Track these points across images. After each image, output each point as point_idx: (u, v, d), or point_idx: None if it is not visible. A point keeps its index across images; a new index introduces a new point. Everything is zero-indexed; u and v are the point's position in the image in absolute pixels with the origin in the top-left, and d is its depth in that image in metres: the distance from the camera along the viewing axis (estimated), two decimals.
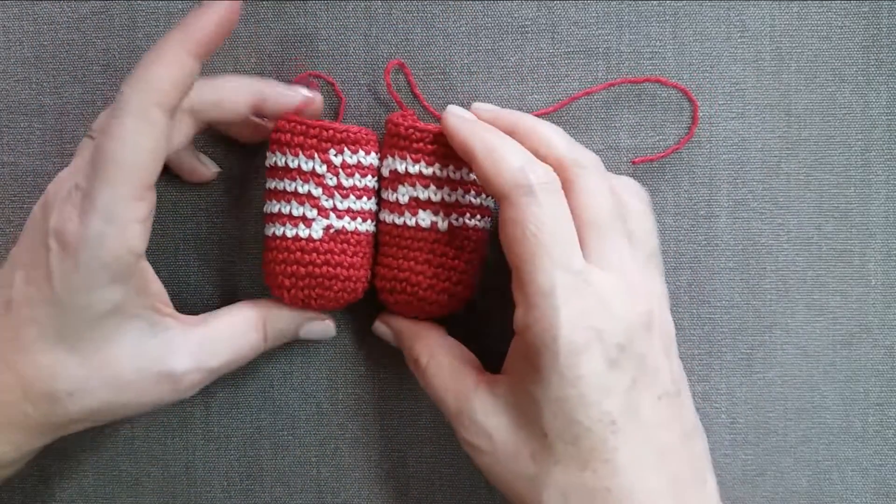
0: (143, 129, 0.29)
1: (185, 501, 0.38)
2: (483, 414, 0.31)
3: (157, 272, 0.37)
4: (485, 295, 0.37)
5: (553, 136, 0.32)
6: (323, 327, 0.36)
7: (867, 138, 0.37)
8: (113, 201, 0.29)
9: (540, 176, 0.30)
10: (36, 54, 0.37)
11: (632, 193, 0.33)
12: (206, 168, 0.37)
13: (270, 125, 0.35)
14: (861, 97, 0.37)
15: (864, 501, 0.38)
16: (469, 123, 0.32)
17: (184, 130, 0.32)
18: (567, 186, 0.31)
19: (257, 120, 0.35)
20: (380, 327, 0.36)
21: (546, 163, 0.31)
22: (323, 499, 0.38)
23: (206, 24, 0.30)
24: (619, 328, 0.29)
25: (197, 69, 0.30)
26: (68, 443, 0.38)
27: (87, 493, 0.38)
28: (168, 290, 0.37)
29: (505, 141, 0.31)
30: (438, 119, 0.36)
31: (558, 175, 0.31)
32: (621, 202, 0.32)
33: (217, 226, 0.37)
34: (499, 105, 0.37)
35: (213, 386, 0.37)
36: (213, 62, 0.37)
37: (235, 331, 0.34)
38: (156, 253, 0.37)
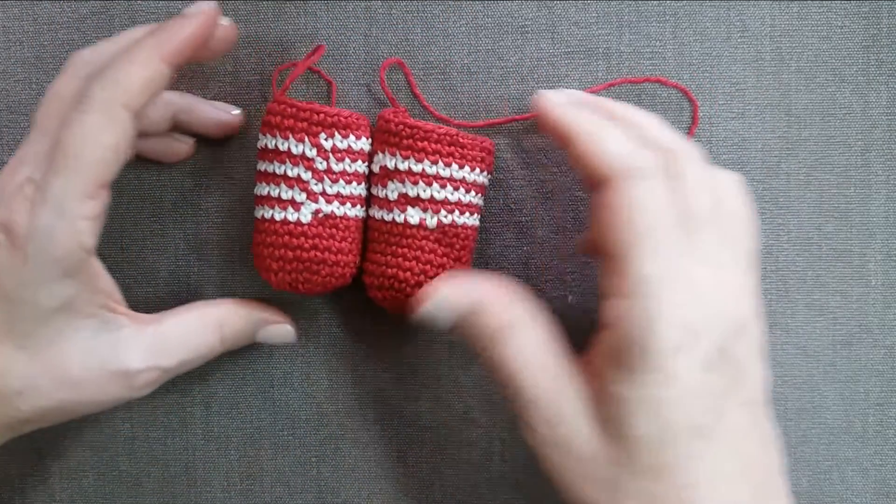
0: (106, 126, 0.29)
1: (185, 501, 0.38)
2: (565, 407, 0.29)
3: (157, 272, 0.37)
4: None
5: (651, 123, 0.31)
6: (281, 331, 0.35)
7: (867, 138, 0.37)
8: (65, 195, 0.28)
9: (645, 160, 0.29)
10: (36, 54, 0.37)
11: (732, 192, 0.31)
12: (182, 144, 0.36)
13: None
14: (861, 97, 0.37)
15: (864, 501, 0.38)
16: (565, 107, 0.31)
17: None
18: (671, 176, 0.29)
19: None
20: (440, 300, 0.31)
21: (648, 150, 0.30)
22: (323, 499, 0.38)
23: (183, 32, 0.30)
24: (719, 328, 0.28)
25: (167, 75, 0.30)
26: (68, 443, 0.38)
27: (87, 493, 0.38)
28: (167, 290, 0.37)
29: (605, 125, 0.30)
30: (439, 119, 0.36)
31: (661, 164, 0.29)
32: (720, 199, 0.30)
33: (217, 226, 0.38)
34: (499, 105, 0.37)
35: (213, 386, 0.37)
36: (213, 63, 0.37)
37: (191, 331, 0.33)
38: (156, 253, 0.37)
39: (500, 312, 0.30)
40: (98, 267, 0.31)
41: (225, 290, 0.37)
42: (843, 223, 0.38)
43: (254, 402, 0.38)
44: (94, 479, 0.38)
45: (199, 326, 0.33)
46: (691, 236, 0.28)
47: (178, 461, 0.38)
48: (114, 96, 0.29)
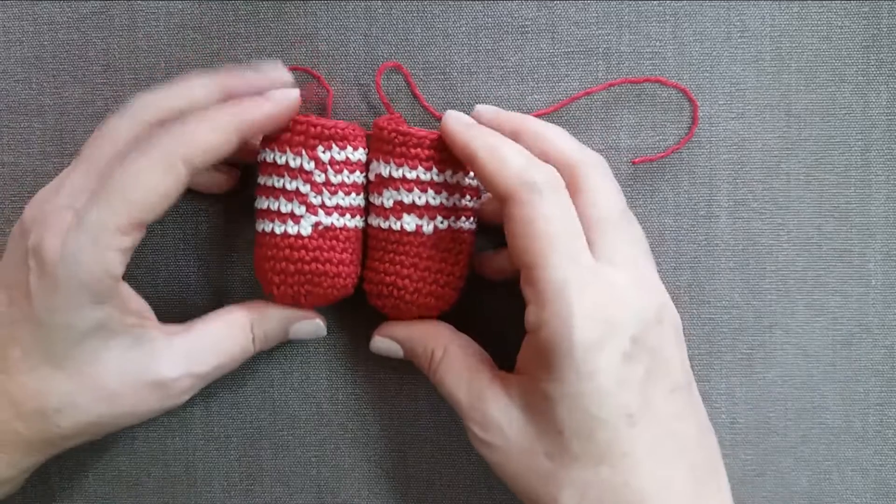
0: (161, 172, 0.29)
1: (185, 501, 0.38)
2: (497, 410, 0.31)
3: (157, 272, 0.37)
4: (491, 294, 0.37)
5: (558, 136, 0.33)
6: (313, 327, 0.35)
7: (867, 138, 0.37)
8: (100, 225, 0.29)
9: (543, 173, 0.30)
10: (36, 54, 0.37)
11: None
12: (227, 174, 0.36)
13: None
14: (861, 97, 0.37)
15: (864, 501, 0.38)
16: (469, 126, 0.32)
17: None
18: (575, 185, 0.31)
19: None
20: (381, 342, 0.35)
21: (553, 163, 0.32)
22: (323, 499, 0.38)
23: (267, 114, 0.31)
24: (632, 320, 0.29)
25: (236, 146, 0.31)
26: None
27: (87, 493, 0.38)
28: (168, 290, 0.37)
29: (506, 142, 0.31)
30: (439, 119, 0.36)
31: (565, 174, 0.31)
32: (624, 204, 0.32)
33: (217, 226, 0.38)
34: (499, 105, 0.37)
35: (213, 386, 0.37)
36: (214, 63, 0.37)
37: (222, 335, 0.34)
38: (156, 253, 0.37)
39: (429, 343, 0.34)
40: (128, 291, 0.32)
41: (225, 291, 0.37)
42: (843, 223, 0.38)
43: (254, 402, 0.38)
44: (94, 479, 0.38)
45: (229, 330, 0.34)
46: (600, 241, 0.30)
47: (178, 461, 0.38)
48: (177, 148, 0.29)
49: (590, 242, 0.30)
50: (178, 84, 0.32)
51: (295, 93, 0.32)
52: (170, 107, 0.31)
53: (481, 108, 0.34)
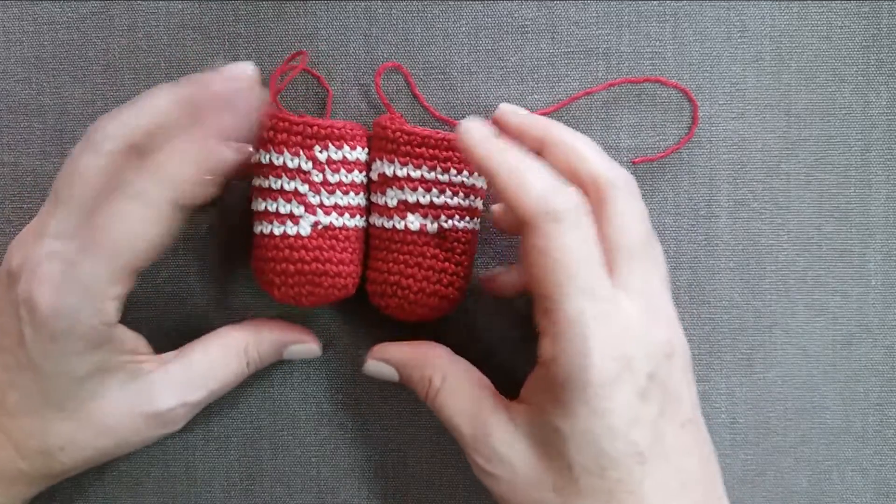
0: (150, 221, 0.29)
1: (185, 501, 0.38)
2: (502, 442, 0.30)
3: (157, 272, 0.37)
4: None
5: (587, 150, 0.31)
6: (306, 349, 0.35)
7: (867, 138, 0.37)
8: (94, 279, 0.29)
9: (566, 200, 0.29)
10: (36, 54, 0.37)
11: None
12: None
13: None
14: (861, 97, 0.37)
15: (864, 501, 0.38)
16: (488, 142, 0.30)
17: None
18: (600, 206, 0.30)
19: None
20: (374, 366, 0.35)
21: (579, 179, 0.30)
22: (323, 499, 0.38)
23: (235, 127, 0.30)
24: (646, 356, 0.29)
25: (230, 166, 0.30)
26: None
27: (87, 493, 0.38)
28: (168, 291, 0.37)
29: (527, 162, 0.30)
30: (439, 119, 0.36)
31: (591, 192, 0.30)
32: (649, 228, 0.31)
33: (217, 227, 0.37)
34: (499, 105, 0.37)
35: None
36: (214, 63, 0.37)
37: (215, 361, 0.33)
38: None
39: (426, 369, 0.33)
40: (122, 330, 0.32)
41: (225, 291, 0.37)
42: (843, 223, 0.38)
43: (254, 402, 0.38)
44: (94, 479, 0.38)
45: (223, 356, 0.34)
46: (620, 268, 0.29)
47: (178, 461, 0.38)
48: (163, 192, 0.29)
49: (610, 268, 0.29)
50: (142, 103, 0.31)
51: (254, 92, 0.31)
52: (137, 131, 0.30)
53: (506, 109, 0.33)
